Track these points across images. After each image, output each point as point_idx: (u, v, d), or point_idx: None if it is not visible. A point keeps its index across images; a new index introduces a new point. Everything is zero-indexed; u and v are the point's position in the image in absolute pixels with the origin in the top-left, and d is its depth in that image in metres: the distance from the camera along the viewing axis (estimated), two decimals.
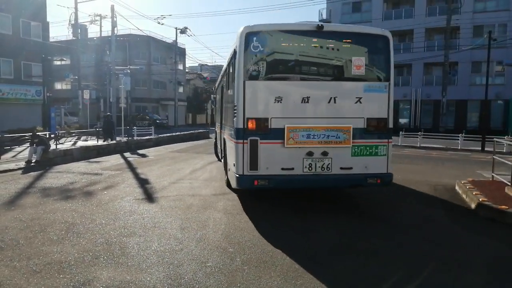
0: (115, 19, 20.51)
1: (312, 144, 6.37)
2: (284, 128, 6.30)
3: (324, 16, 42.25)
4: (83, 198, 7.78)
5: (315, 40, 6.46)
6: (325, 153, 6.40)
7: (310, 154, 6.37)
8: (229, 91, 7.71)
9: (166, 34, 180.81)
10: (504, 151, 17.31)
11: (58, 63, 37.50)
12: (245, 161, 6.30)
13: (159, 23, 44.07)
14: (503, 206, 6.58)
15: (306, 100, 6.39)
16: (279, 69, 6.53)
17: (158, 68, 47.90)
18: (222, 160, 9.52)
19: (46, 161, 12.73)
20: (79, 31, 30.87)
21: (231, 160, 7.14)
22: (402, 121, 37.76)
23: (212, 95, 14.98)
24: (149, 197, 7.97)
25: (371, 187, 7.21)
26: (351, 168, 6.48)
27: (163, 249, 4.89)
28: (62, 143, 19.59)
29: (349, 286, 3.93)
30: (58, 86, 48.18)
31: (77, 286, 3.83)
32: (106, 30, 35.19)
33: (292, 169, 6.36)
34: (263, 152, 6.30)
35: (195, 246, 5.02)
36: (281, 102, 6.34)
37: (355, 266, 4.39)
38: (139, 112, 43.61)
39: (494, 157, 9.61)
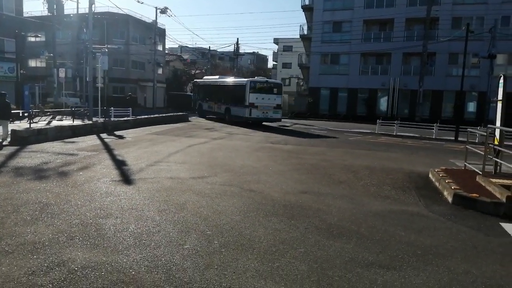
0: None
1: (264, 110, 23.88)
2: (257, 105, 23.61)
3: (307, 2, 42.10)
4: (58, 178, 7.62)
5: (265, 83, 25.28)
6: (267, 112, 24.02)
7: (263, 112, 23.86)
8: (245, 95, 23.78)
9: (146, 13, 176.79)
10: (477, 141, 17.82)
11: (33, 39, 36.18)
12: (247, 113, 23.52)
13: (138, 1, 42.76)
14: (474, 194, 6.81)
15: (263, 98, 23.93)
16: (257, 90, 24.02)
17: (137, 48, 46.86)
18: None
19: (20, 139, 12.36)
20: (55, 7, 29.73)
21: (244, 113, 23.69)
22: (380, 109, 38.30)
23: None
24: (126, 179, 7.87)
25: (279, 121, 25.49)
26: (273, 115, 24.46)
27: (140, 231, 4.86)
28: (36, 122, 19.08)
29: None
30: (33, 63, 46.56)
31: (51, 267, 3.78)
32: (83, 7, 34.15)
33: (259, 115, 23.87)
34: (252, 111, 23.48)
35: (173, 228, 5.01)
36: (257, 98, 23.72)
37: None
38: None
39: (467, 147, 9.89)
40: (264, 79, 26.68)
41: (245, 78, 30.68)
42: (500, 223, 5.88)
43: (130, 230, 4.88)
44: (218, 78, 31.08)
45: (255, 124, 24.62)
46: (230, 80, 29.16)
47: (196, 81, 35.21)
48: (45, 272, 3.67)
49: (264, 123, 25.43)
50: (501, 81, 8.88)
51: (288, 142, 16.02)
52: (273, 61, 77.58)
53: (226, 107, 26.40)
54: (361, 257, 4.36)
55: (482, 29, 30.98)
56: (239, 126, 23.06)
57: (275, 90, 24.50)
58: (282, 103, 25.11)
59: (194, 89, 34.30)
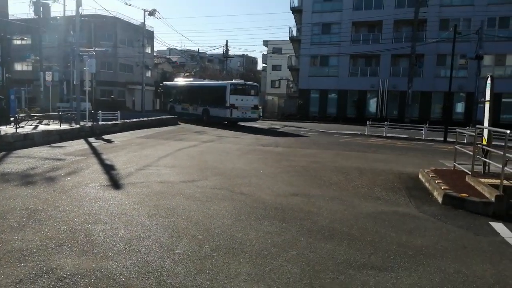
0: None
1: (243, 110, 25.53)
2: (237, 106, 25.17)
3: (296, 4, 42.25)
4: (45, 184, 7.50)
5: (244, 86, 26.73)
6: (246, 112, 25.67)
7: (243, 112, 25.52)
8: (225, 96, 25.27)
9: (134, 15, 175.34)
10: (465, 141, 18.01)
11: (18, 42, 35.75)
12: (228, 113, 25.10)
13: (126, 3, 42.67)
14: (464, 194, 6.86)
15: (242, 100, 25.50)
16: (236, 92, 25.48)
17: (125, 51, 46.54)
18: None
19: (5, 145, 12.15)
20: (41, 9, 29.32)
21: (225, 114, 25.26)
22: (369, 110, 38.53)
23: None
24: (115, 183, 7.78)
25: (256, 120, 27.90)
26: (251, 115, 26.37)
27: (130, 236, 4.80)
28: (22, 127, 18.80)
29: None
30: (18, 67, 45.95)
31: (40, 274, 3.70)
32: (70, 10, 33.66)
33: (239, 115, 25.52)
34: (233, 111, 25.08)
35: (163, 233, 4.95)
36: (237, 100, 25.23)
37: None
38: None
39: (456, 147, 9.98)
40: (242, 81, 28.33)
41: (229, 80, 32.06)
42: (489, 223, 5.93)
43: (119, 235, 4.81)
44: (193, 81, 32.62)
45: (246, 127, 25.29)
46: (208, 82, 30.91)
47: (165, 84, 35.32)
48: (33, 280, 3.59)
49: (253, 124, 27.78)
50: (489, 81, 8.97)
51: (278, 144, 16.02)
52: (262, 63, 77.63)
53: (204, 108, 27.56)
54: (353, 258, 4.35)
55: (469, 30, 31.43)
56: (227, 129, 23.05)
57: (252, 92, 26.54)
58: (259, 103, 29.49)
59: (163, 92, 34.30)
